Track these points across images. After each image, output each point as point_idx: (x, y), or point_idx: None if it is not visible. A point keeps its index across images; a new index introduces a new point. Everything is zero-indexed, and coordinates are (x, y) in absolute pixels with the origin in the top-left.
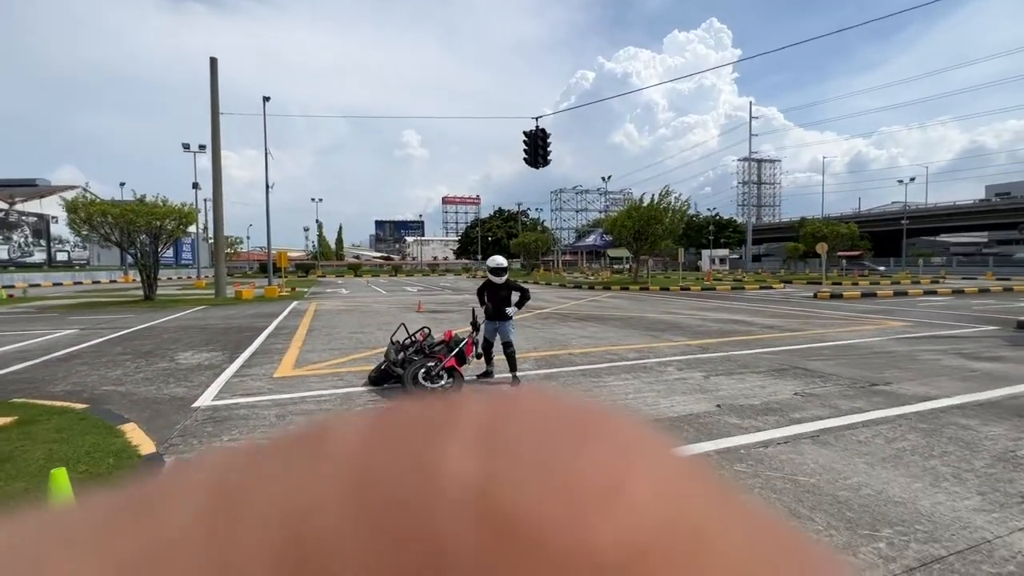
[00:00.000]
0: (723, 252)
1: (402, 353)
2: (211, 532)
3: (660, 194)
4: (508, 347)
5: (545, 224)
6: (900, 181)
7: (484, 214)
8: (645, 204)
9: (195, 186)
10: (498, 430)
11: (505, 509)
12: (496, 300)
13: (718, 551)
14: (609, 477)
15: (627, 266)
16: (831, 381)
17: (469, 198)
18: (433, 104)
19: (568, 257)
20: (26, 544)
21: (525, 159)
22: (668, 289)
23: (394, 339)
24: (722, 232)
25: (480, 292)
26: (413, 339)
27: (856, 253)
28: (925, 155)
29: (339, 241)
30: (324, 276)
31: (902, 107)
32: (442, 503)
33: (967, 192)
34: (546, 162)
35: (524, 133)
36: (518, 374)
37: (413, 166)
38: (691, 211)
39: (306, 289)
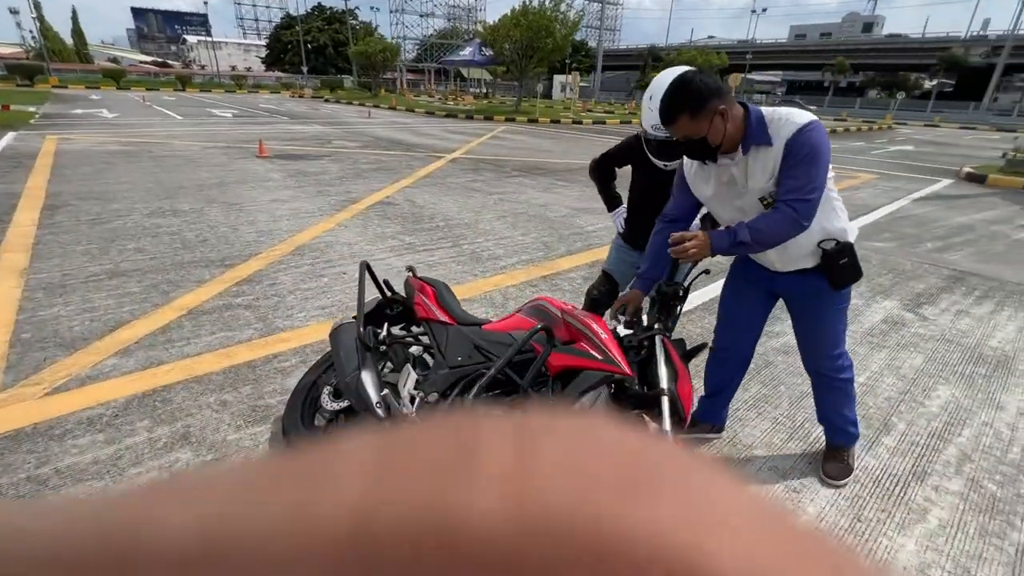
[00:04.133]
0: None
1: (416, 406)
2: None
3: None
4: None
5: (379, 32)
6: (753, 11)
7: (297, 11)
8: (535, 10)
9: None
10: (529, 475)
11: None
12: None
13: None
14: (677, 541)
15: (486, 91)
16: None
17: None
18: None
19: (411, 76)
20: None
21: None
22: (559, 122)
23: (341, 344)
24: (573, 56)
25: (609, 170)
26: (411, 334)
27: None
28: None
29: (77, 34)
30: (66, 87)
31: None
32: (458, 569)
33: (767, 30)
34: None
35: None
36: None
37: None
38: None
39: (33, 108)
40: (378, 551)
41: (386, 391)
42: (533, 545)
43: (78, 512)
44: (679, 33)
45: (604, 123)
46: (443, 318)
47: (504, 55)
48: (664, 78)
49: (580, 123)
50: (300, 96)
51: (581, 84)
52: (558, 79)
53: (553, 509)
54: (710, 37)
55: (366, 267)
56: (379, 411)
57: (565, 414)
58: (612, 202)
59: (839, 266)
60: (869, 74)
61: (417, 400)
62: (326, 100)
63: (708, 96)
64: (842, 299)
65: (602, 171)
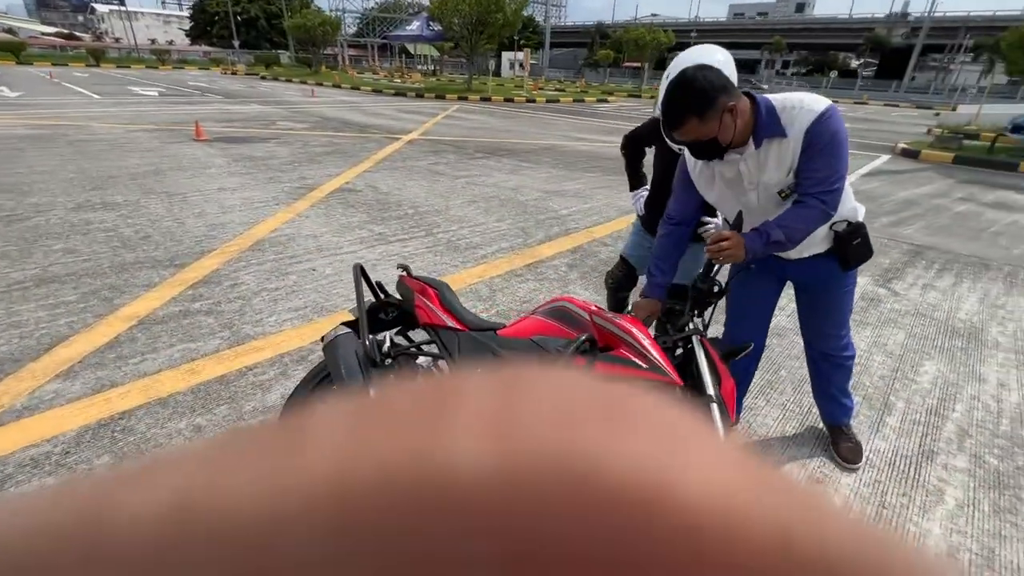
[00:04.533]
0: (521, 55)
1: None
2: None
3: None
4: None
5: (315, 4)
6: None
7: None
8: None
9: None
10: (513, 417)
11: (522, 517)
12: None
13: (798, 562)
14: (656, 473)
15: (434, 68)
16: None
17: None
18: None
19: (353, 52)
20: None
21: None
22: (512, 100)
23: None
24: (521, 33)
25: (639, 149)
26: None
27: (637, 64)
28: None
29: None
30: None
31: None
32: (443, 511)
33: (708, 8)
34: None
35: None
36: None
37: None
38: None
39: None
40: (360, 503)
41: None
42: (524, 479)
43: (33, 506)
44: (623, 10)
45: (558, 101)
46: (451, 323)
47: (453, 30)
48: (681, 60)
49: (534, 102)
50: (233, 73)
51: (532, 61)
52: (507, 56)
53: (540, 443)
54: (653, 15)
55: (360, 270)
56: None
57: (540, 364)
58: (636, 181)
59: (852, 247)
60: (802, 53)
61: None
62: (263, 77)
63: (715, 94)
64: (851, 280)
65: (632, 149)
